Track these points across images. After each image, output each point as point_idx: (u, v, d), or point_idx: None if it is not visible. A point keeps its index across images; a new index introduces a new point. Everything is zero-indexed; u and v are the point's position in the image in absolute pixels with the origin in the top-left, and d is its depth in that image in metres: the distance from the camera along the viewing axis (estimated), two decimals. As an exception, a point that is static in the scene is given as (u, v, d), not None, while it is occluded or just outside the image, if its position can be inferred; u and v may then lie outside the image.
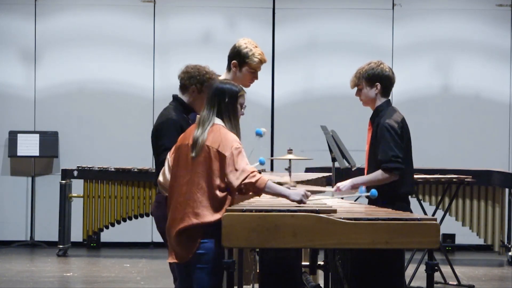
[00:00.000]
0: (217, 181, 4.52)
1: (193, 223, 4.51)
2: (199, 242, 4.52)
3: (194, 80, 5.25)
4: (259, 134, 5.15)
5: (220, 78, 5.72)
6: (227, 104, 4.66)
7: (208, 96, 4.73)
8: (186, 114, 5.29)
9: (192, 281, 4.61)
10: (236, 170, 4.47)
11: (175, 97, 5.35)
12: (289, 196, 4.49)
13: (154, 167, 10.02)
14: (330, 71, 11.20)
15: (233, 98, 4.68)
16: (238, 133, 4.66)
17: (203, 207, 4.51)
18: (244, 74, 5.60)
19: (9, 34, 11.22)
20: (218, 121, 4.64)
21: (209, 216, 4.49)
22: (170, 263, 5.13)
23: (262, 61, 5.60)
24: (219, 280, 4.55)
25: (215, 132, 4.58)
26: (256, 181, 4.45)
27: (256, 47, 5.59)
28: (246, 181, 4.44)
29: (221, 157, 4.51)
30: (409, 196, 5.51)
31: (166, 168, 4.81)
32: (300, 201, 4.48)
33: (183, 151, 4.65)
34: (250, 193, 4.62)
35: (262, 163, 5.21)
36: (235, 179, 4.47)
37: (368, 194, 4.98)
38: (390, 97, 5.56)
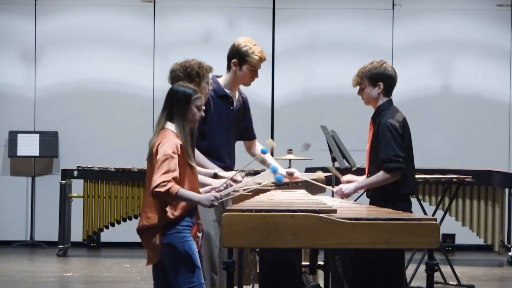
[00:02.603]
0: None
1: (144, 225, 4.66)
2: (161, 243, 4.64)
3: (174, 74, 5.24)
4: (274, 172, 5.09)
5: (220, 78, 5.73)
6: (179, 107, 4.73)
7: (165, 99, 4.77)
8: None
9: (165, 280, 4.75)
10: (154, 175, 4.56)
11: None
12: (199, 202, 4.61)
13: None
14: (330, 71, 11.20)
15: (184, 100, 4.73)
16: (185, 137, 4.70)
17: (152, 209, 4.64)
18: (244, 72, 5.61)
19: (9, 34, 11.22)
20: (169, 125, 4.72)
21: (157, 218, 4.62)
22: None
23: (262, 59, 5.61)
24: (193, 268, 4.65)
25: (160, 136, 4.68)
26: (167, 190, 4.51)
27: (255, 45, 5.62)
28: (157, 189, 4.52)
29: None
30: (410, 196, 5.51)
31: None
32: (210, 206, 4.60)
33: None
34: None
35: (274, 171, 5.13)
36: (151, 185, 4.56)
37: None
38: (391, 97, 5.56)
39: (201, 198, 4.59)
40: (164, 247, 4.64)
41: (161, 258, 4.67)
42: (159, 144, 4.62)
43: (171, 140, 4.63)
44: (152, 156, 4.65)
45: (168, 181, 4.50)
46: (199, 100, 4.76)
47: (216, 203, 4.58)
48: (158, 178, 4.51)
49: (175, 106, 4.73)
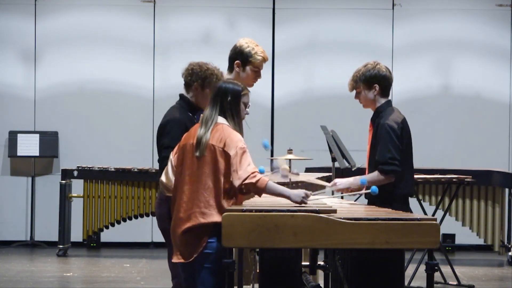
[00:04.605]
0: (223, 181, 4.55)
1: (200, 222, 4.54)
2: (205, 242, 4.55)
3: (196, 77, 5.28)
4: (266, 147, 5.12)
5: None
6: (230, 103, 4.68)
7: (212, 95, 4.76)
8: (192, 113, 5.30)
9: (196, 281, 4.63)
10: (238, 170, 4.49)
11: (181, 96, 5.38)
12: (290, 197, 4.50)
13: (154, 166, 10.07)
14: (330, 71, 11.20)
15: (236, 97, 4.70)
16: (241, 132, 4.68)
17: (210, 206, 4.54)
18: (247, 73, 5.62)
19: (9, 34, 11.22)
20: (221, 120, 4.66)
21: (216, 216, 4.51)
22: (169, 262, 5.12)
23: (264, 59, 5.63)
24: (223, 280, 4.56)
25: (219, 131, 4.60)
26: (257, 181, 4.46)
27: (257, 45, 5.63)
28: (247, 181, 4.46)
29: (227, 156, 4.54)
30: (409, 197, 5.50)
31: (169, 167, 4.82)
32: (301, 202, 4.48)
33: (188, 150, 4.67)
34: (252, 194, 4.64)
35: (261, 172, 5.17)
36: (237, 179, 4.49)
37: (369, 191, 4.97)
38: (390, 97, 5.55)
39: (292, 194, 4.49)
40: (207, 249, 4.54)
41: (195, 257, 4.56)
42: (226, 139, 4.55)
43: (236, 134, 4.60)
44: (204, 151, 4.55)
45: (257, 172, 4.47)
46: (246, 97, 4.75)
47: (306, 201, 4.48)
48: (244, 170, 4.46)
49: (226, 102, 4.67)
